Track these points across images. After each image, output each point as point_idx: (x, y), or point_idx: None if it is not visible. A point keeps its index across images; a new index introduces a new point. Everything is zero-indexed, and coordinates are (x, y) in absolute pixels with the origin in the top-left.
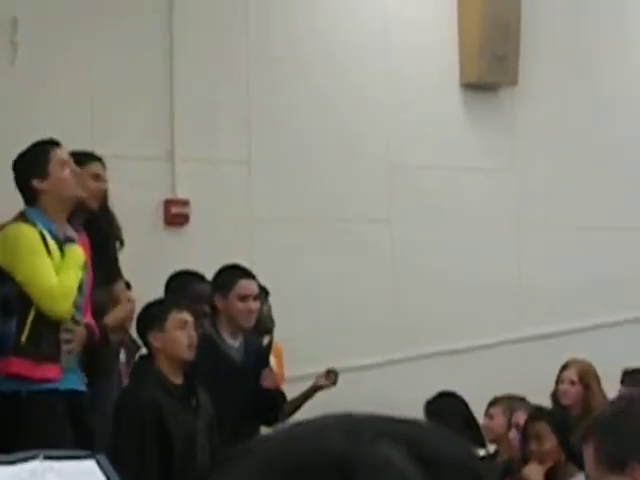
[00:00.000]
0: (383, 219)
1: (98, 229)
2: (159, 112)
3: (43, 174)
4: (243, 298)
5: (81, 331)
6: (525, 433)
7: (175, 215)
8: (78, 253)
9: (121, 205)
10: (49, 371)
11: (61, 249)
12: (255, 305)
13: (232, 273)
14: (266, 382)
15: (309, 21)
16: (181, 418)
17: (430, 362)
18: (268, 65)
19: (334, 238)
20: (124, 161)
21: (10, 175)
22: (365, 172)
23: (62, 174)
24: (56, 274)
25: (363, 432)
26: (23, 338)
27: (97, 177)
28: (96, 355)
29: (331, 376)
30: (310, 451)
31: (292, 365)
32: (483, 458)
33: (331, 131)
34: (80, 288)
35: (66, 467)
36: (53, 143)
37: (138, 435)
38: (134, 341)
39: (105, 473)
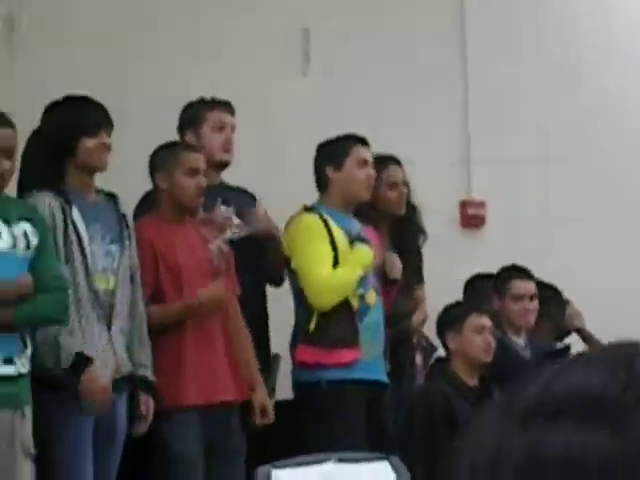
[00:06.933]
0: None
1: (406, 230)
2: (454, 114)
3: (339, 165)
4: (517, 298)
5: None
6: None
7: (471, 216)
8: (367, 254)
9: None
10: (344, 355)
11: (350, 243)
12: (531, 305)
13: (509, 274)
14: None
15: (605, 22)
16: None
17: None
18: (561, 65)
19: (633, 239)
20: (420, 164)
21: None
22: None
23: (357, 173)
24: (336, 266)
25: None
26: (312, 326)
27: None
28: (397, 354)
29: None
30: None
31: None
32: None
33: (628, 131)
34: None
35: (359, 470)
36: (361, 140)
37: (428, 434)
38: (431, 344)
39: (398, 476)
